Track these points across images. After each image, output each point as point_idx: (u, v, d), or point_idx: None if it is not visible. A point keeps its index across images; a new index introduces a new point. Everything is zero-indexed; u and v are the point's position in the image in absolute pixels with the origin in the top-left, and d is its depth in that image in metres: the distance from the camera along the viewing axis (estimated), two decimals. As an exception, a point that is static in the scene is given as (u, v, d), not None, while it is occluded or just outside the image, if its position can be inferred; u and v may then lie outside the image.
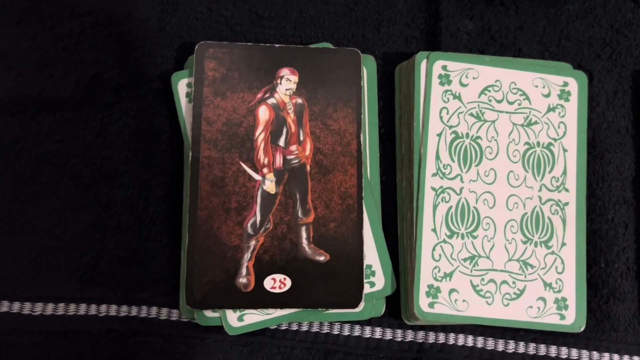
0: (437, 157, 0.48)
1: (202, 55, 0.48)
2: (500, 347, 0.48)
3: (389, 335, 0.48)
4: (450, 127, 0.48)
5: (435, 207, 0.47)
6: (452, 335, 0.48)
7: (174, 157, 0.49)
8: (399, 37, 0.52)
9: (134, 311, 0.48)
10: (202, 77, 0.48)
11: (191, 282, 0.46)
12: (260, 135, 0.48)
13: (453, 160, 0.48)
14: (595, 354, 0.48)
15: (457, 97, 0.49)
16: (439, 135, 0.48)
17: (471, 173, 0.48)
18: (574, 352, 0.48)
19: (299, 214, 0.47)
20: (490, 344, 0.48)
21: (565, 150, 0.49)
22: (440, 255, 0.46)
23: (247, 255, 0.46)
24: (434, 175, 0.48)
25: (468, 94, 0.49)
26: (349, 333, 0.48)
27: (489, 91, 0.49)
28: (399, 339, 0.48)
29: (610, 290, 0.49)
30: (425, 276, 0.46)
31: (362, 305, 0.47)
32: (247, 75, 0.48)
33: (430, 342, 0.48)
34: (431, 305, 0.46)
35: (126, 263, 0.48)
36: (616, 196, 0.50)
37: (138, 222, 0.48)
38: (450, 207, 0.47)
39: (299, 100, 0.48)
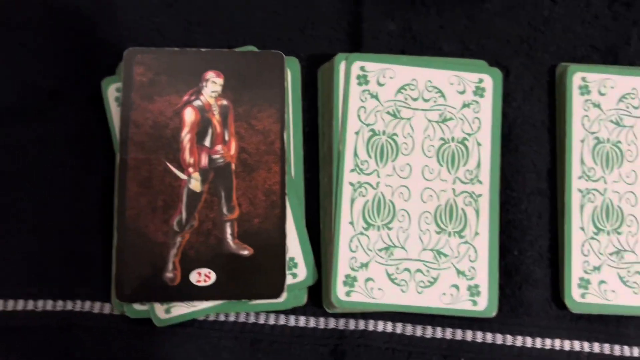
0: (355, 154, 0.50)
1: (131, 61, 0.50)
2: (419, 333, 0.50)
3: (312, 323, 0.50)
4: (368, 125, 0.50)
5: (352, 201, 0.49)
6: (372, 322, 0.50)
7: (106, 160, 0.51)
8: (323, 39, 0.54)
9: (69, 306, 0.50)
10: (130, 82, 0.50)
11: (121, 278, 0.48)
12: (186, 136, 0.50)
13: (370, 157, 0.50)
14: (509, 337, 0.50)
15: (375, 96, 0.50)
16: (357, 133, 0.50)
17: (387, 168, 0.50)
18: (489, 336, 0.50)
19: (224, 210, 0.49)
20: (409, 329, 0.50)
21: (479, 144, 0.51)
22: (357, 246, 0.48)
23: (173, 251, 0.48)
24: (352, 171, 0.49)
25: (385, 93, 0.51)
26: (274, 322, 0.50)
27: (405, 90, 0.51)
28: (322, 327, 0.50)
29: (523, 276, 0.51)
30: (342, 266, 0.48)
31: (284, 295, 0.49)
32: (174, 79, 0.50)
33: (351, 329, 0.50)
34: (348, 293, 0.48)
35: (62, 261, 0.50)
36: (530, 187, 0.52)
37: (74, 222, 0.50)
38: (367, 200, 0.49)
39: (224, 102, 0.50)
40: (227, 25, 0.53)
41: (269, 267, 0.48)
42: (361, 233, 0.49)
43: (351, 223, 0.49)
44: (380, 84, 0.50)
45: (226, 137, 0.50)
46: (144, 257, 0.48)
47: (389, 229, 0.49)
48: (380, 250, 0.49)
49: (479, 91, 0.51)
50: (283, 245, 0.49)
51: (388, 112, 0.50)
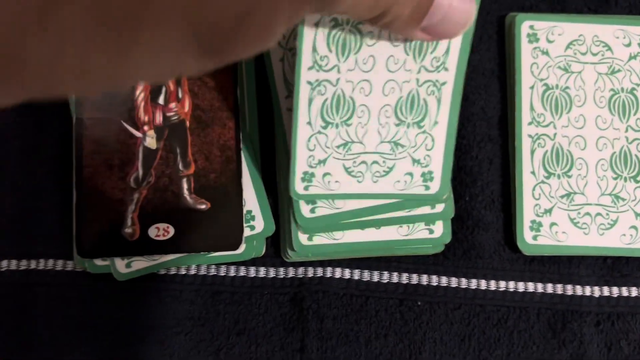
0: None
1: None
2: (376, 278, 0.50)
3: (271, 273, 0.50)
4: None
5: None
6: (329, 269, 0.50)
7: (63, 120, 0.51)
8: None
9: (32, 264, 0.50)
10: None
11: (81, 234, 0.47)
12: (140, 95, 0.49)
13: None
14: (463, 280, 0.51)
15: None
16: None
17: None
18: (444, 279, 0.51)
19: (180, 166, 0.49)
20: (366, 275, 0.50)
21: None
22: (315, 145, 0.46)
23: (131, 207, 0.48)
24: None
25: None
26: (234, 274, 0.50)
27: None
28: (281, 276, 0.50)
29: (475, 221, 0.51)
30: (300, 163, 0.46)
31: (243, 247, 0.49)
32: (127, 40, 0.49)
33: (310, 276, 0.50)
34: (306, 187, 0.47)
35: (23, 221, 0.50)
36: (481, 134, 0.52)
37: (32, 182, 0.50)
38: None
39: (178, 60, 0.50)
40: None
41: (226, 221, 0.48)
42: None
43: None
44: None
45: (180, 95, 0.49)
46: (102, 213, 0.48)
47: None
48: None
49: None
50: (240, 198, 0.48)
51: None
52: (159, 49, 0.26)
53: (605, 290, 0.51)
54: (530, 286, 0.51)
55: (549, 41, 0.52)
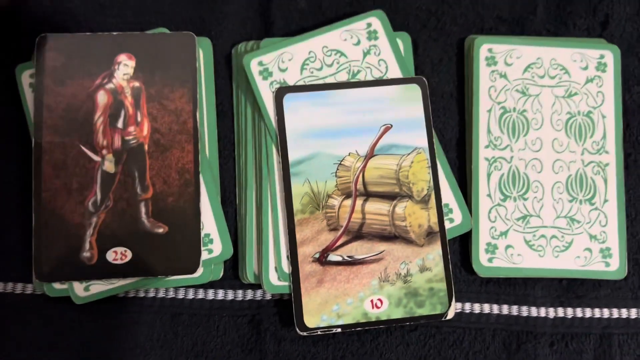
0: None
1: (43, 46, 0.48)
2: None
3: (230, 295, 0.49)
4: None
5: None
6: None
7: (22, 145, 0.49)
8: (235, 17, 0.51)
9: (-7, 288, 0.49)
10: (42, 67, 0.48)
11: (39, 258, 0.46)
12: (99, 119, 0.48)
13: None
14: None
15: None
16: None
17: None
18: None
19: (138, 190, 0.48)
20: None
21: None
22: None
23: (89, 231, 0.47)
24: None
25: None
26: (193, 296, 0.49)
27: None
28: (240, 298, 0.49)
29: None
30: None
31: (200, 270, 0.47)
32: (86, 63, 0.48)
33: (268, 298, 0.49)
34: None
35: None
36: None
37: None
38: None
39: (136, 84, 0.48)
40: (138, 8, 0.51)
41: (184, 244, 0.47)
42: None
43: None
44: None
45: (139, 119, 0.48)
46: (61, 237, 0.46)
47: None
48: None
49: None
50: (197, 222, 0.47)
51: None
52: None
53: (560, 311, 0.50)
54: (486, 307, 0.50)
55: (507, 64, 0.50)
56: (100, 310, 0.48)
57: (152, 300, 0.49)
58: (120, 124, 0.48)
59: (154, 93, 0.48)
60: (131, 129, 0.48)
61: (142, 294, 0.49)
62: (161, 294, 0.49)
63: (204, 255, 0.47)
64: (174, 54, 0.48)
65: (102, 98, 0.47)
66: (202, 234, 0.47)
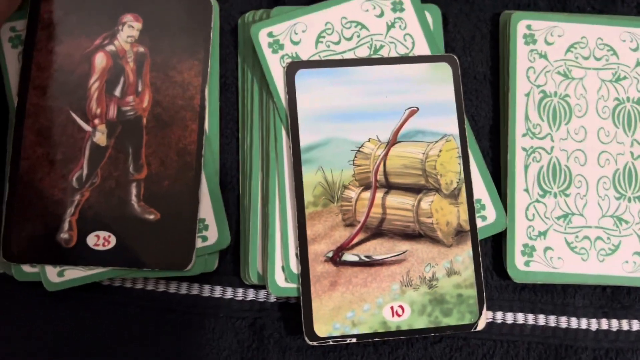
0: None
1: (37, -3, 0.42)
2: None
3: (229, 294, 0.43)
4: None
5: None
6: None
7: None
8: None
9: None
10: (35, 20, 0.42)
11: (9, 235, 0.40)
12: (94, 84, 0.42)
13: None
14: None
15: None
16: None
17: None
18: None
19: (130, 169, 0.42)
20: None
21: None
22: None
23: (70, 210, 0.41)
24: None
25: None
26: (186, 292, 0.43)
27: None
28: (240, 298, 0.43)
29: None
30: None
31: (192, 264, 0.41)
32: (86, 20, 0.42)
33: (272, 301, 0.43)
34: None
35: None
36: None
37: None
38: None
39: (141, 49, 0.43)
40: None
41: (176, 236, 0.41)
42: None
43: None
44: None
45: (139, 88, 0.42)
46: (36, 213, 0.40)
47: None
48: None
49: None
50: (195, 212, 0.41)
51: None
52: None
53: (604, 324, 0.43)
54: (520, 317, 0.43)
55: (548, 43, 0.45)
56: (76, 299, 0.41)
57: (140, 292, 0.42)
58: (117, 92, 0.42)
59: (160, 62, 0.42)
60: (130, 98, 0.42)
61: (128, 284, 0.42)
62: (150, 286, 0.42)
63: (198, 243, 0.41)
64: (186, 20, 0.43)
65: (100, 61, 0.42)
66: (197, 226, 0.41)
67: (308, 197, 0.41)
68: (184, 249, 0.40)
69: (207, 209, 0.42)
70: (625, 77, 0.44)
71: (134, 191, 0.41)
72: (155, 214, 0.41)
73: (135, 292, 0.42)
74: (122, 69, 0.42)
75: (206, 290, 0.42)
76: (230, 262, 0.43)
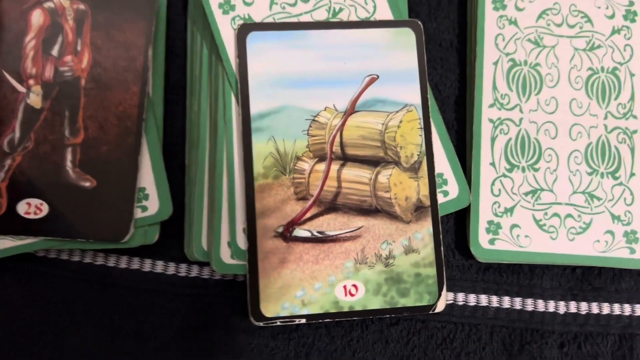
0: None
1: (-33, -44, 0.40)
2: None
3: (171, 269, 0.40)
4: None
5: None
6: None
7: None
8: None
9: None
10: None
11: None
12: (30, 43, 0.39)
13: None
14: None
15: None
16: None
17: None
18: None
19: (66, 133, 0.39)
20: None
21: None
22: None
23: (0, 175, 0.38)
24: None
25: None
26: (126, 266, 0.40)
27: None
28: (183, 274, 0.40)
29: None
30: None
31: (130, 231, 0.38)
32: (22, -25, 0.40)
33: (217, 278, 0.40)
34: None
35: None
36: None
37: None
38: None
39: (81, 6, 0.40)
40: None
41: (113, 205, 0.38)
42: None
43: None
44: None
45: (78, 48, 0.39)
46: (-38, 178, 0.37)
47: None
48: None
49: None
50: (133, 180, 0.38)
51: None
52: None
53: (573, 306, 0.41)
54: (484, 299, 0.41)
55: (518, 9, 0.42)
56: (10, 270, 0.38)
57: (77, 264, 0.39)
58: (55, 52, 0.39)
59: (102, 20, 0.39)
60: (68, 58, 0.39)
61: (64, 256, 0.39)
62: (88, 259, 0.39)
63: (137, 213, 0.38)
64: (129, -24, 0.40)
65: (37, 18, 0.39)
66: (136, 195, 0.38)
67: (258, 168, 0.38)
68: (121, 219, 0.37)
69: (148, 178, 0.39)
70: (599, 46, 0.41)
71: (69, 156, 0.38)
72: (92, 181, 0.38)
73: (72, 264, 0.39)
74: (60, 27, 0.39)
75: (147, 265, 0.40)
76: (175, 236, 0.40)
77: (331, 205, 0.39)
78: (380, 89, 0.40)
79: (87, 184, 0.38)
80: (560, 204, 0.40)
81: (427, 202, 0.39)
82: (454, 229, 0.41)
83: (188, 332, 0.39)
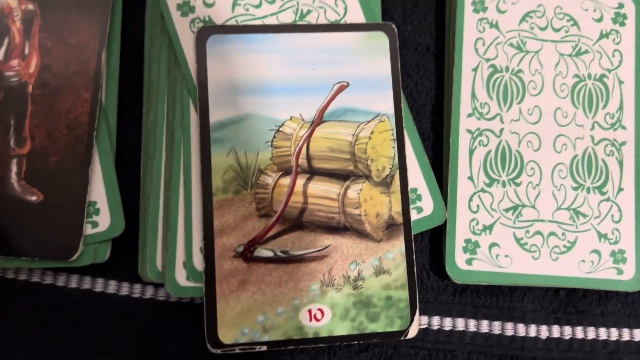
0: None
1: None
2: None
3: (125, 290, 0.37)
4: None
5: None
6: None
7: None
8: None
9: None
10: None
11: None
12: (-29, 47, 0.37)
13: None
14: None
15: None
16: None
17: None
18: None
19: (11, 143, 0.36)
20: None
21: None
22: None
23: (-63, 190, 0.35)
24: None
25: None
26: (77, 285, 0.37)
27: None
28: (136, 295, 0.37)
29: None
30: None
31: (80, 248, 0.36)
32: (-37, -23, 0.37)
33: (173, 301, 0.37)
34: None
35: None
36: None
37: None
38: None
39: (30, 7, 0.37)
40: None
41: (61, 220, 0.35)
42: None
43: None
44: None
45: (26, 51, 0.37)
46: None
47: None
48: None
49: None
50: (83, 194, 0.36)
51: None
52: None
53: (555, 331, 0.38)
54: (460, 323, 0.38)
55: (500, 11, 0.39)
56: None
57: (24, 284, 0.37)
58: (0, 56, 0.36)
59: (52, 20, 0.37)
60: (14, 62, 0.36)
61: (10, 275, 0.37)
62: (36, 278, 0.37)
63: (87, 230, 0.35)
64: (82, -27, 0.37)
65: (-20, 21, 0.36)
66: (86, 210, 0.35)
67: (217, 182, 0.36)
68: (69, 235, 0.35)
69: (99, 191, 0.36)
70: (586, 51, 0.39)
71: (14, 168, 0.35)
72: (38, 194, 0.35)
73: (17, 283, 0.37)
74: (6, 29, 0.37)
75: (99, 285, 0.37)
76: (129, 254, 0.37)
77: (296, 223, 0.36)
78: (351, 97, 0.37)
79: (34, 198, 0.35)
80: (543, 221, 0.38)
81: (400, 219, 0.37)
82: (429, 248, 0.38)
83: (141, 358, 0.36)
